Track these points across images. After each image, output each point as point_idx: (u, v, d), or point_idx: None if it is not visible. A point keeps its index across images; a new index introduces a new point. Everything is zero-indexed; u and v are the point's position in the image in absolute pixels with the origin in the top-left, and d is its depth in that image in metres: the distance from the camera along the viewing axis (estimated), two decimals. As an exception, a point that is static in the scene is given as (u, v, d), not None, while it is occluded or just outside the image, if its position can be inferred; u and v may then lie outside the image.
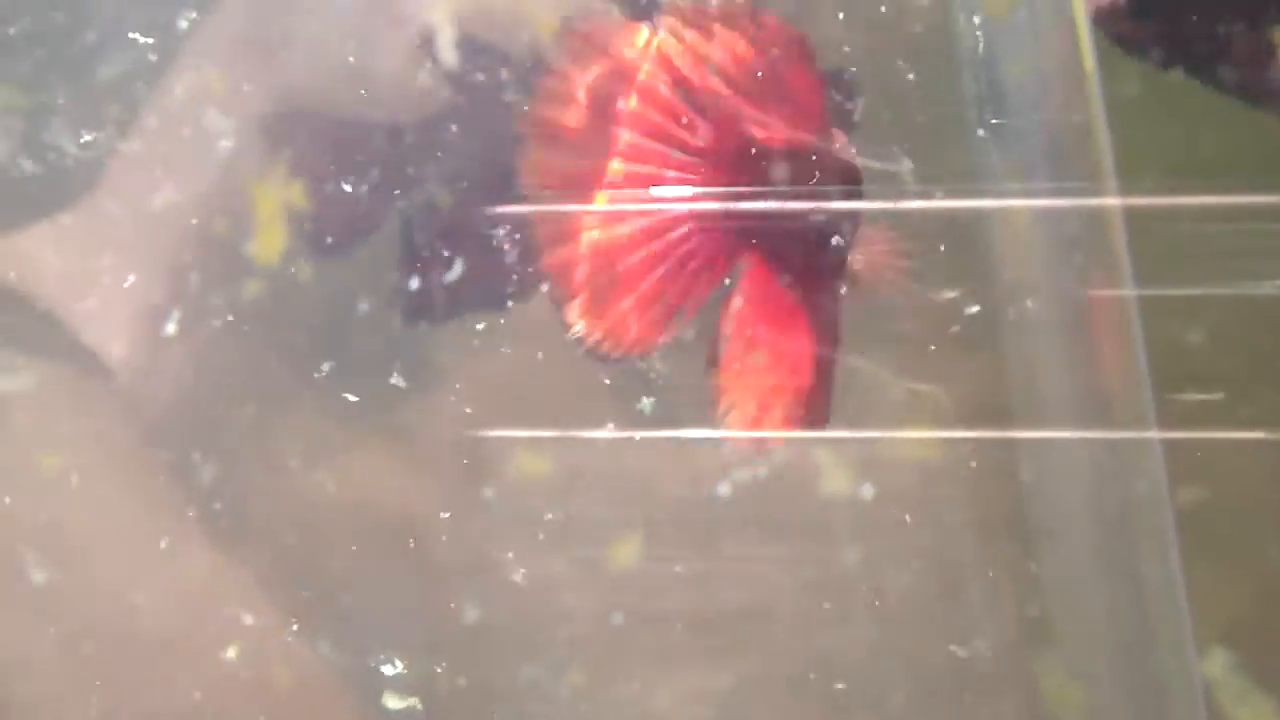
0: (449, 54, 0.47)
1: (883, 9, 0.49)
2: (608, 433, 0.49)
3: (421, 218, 0.48)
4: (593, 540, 0.50)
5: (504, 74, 0.48)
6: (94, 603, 0.50)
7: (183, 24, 0.48)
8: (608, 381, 0.48)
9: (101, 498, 0.50)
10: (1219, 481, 0.51)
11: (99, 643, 0.50)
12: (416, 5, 0.48)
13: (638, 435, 0.49)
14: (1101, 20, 0.49)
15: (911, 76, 0.49)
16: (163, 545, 0.50)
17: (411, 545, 0.51)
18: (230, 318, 0.48)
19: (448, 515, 0.50)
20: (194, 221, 0.48)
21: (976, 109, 0.50)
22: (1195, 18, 0.49)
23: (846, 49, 0.49)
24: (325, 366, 0.49)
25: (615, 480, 0.50)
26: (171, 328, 0.49)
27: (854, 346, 0.50)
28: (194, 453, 0.50)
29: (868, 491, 0.50)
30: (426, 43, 0.47)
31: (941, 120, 0.50)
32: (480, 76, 0.48)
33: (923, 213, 0.48)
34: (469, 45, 0.48)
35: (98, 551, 0.50)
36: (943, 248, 0.49)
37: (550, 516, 0.50)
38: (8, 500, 0.50)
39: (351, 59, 0.48)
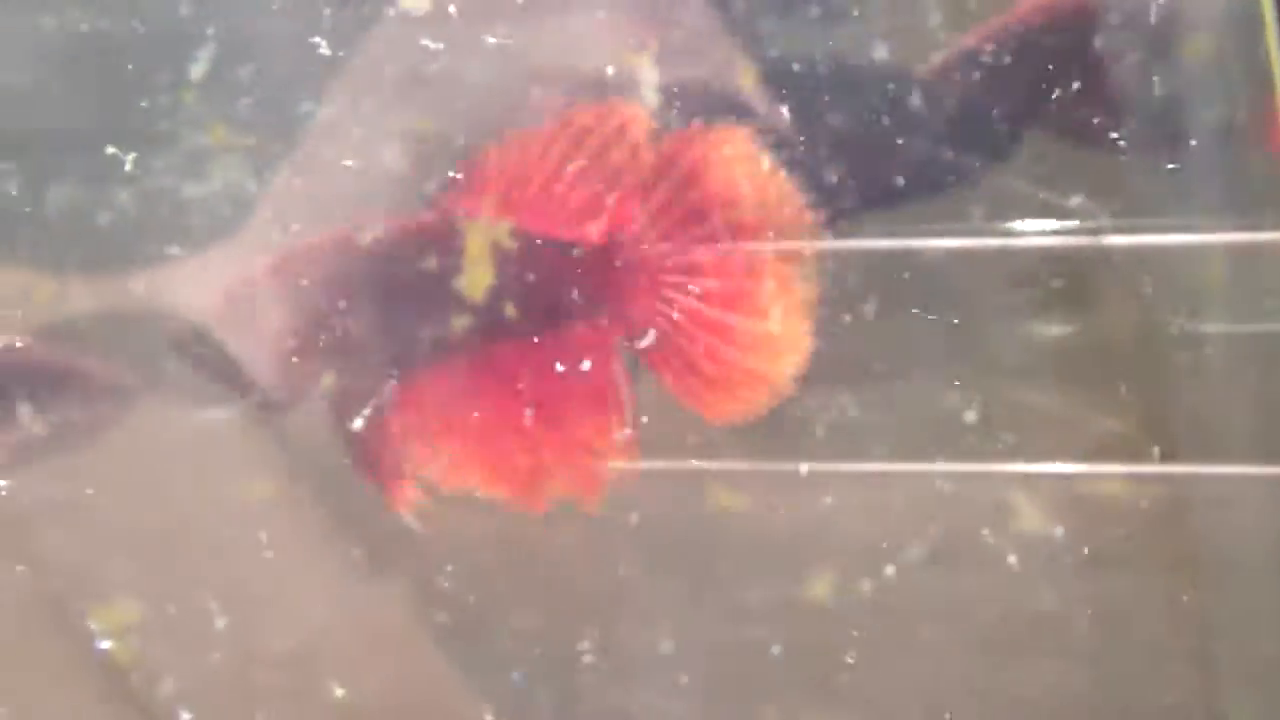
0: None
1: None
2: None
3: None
4: (786, 574, 0.51)
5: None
6: (285, 633, 0.52)
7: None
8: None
9: (303, 523, 0.51)
10: None
11: (291, 669, 0.52)
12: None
13: (831, 468, 0.50)
14: None
15: (1095, 119, 0.49)
16: (357, 570, 0.51)
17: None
18: (440, 351, 0.49)
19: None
20: (404, 257, 0.49)
21: (1163, 149, 0.50)
22: None
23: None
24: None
25: (809, 514, 0.50)
26: (382, 361, 0.50)
27: (1039, 383, 0.50)
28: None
29: (1058, 529, 0.50)
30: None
31: (1128, 160, 0.50)
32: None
33: (1108, 249, 0.49)
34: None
35: (296, 578, 0.52)
36: (1149, 281, 0.49)
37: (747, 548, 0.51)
38: (212, 530, 0.51)
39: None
